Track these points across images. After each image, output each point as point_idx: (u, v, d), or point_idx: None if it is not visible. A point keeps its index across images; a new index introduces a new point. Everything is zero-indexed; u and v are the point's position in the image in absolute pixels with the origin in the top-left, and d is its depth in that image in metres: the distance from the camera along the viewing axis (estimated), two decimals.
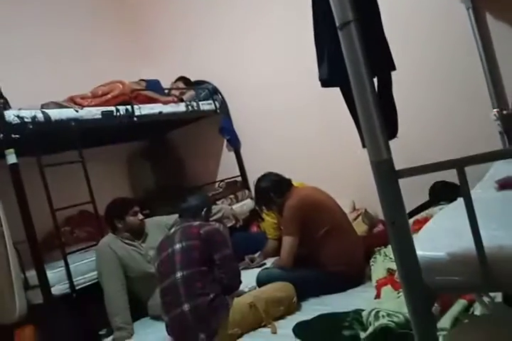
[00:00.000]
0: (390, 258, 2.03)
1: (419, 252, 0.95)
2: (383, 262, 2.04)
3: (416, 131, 2.52)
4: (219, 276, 2.05)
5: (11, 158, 2.38)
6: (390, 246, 2.18)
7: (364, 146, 0.97)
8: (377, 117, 0.91)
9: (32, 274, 2.43)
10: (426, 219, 1.75)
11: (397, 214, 0.94)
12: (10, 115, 2.41)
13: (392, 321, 1.38)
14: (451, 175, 0.93)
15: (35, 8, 3.59)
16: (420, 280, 0.95)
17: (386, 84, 1.02)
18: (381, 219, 2.61)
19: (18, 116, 2.43)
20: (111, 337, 2.34)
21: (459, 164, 0.86)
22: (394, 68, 1.04)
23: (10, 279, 2.37)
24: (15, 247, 2.42)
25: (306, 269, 2.24)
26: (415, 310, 0.97)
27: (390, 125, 1.00)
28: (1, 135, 2.38)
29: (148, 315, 2.56)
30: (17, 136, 2.40)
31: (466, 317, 1.29)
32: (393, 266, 1.87)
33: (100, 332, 2.49)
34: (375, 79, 0.98)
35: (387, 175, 0.93)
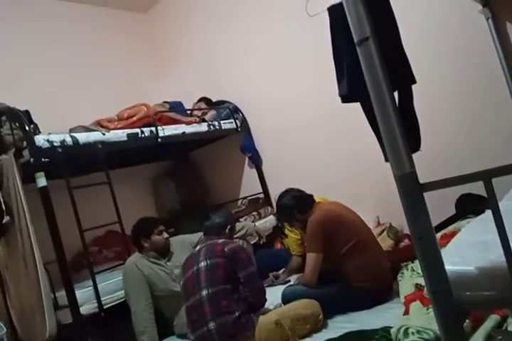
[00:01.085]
0: (418, 273, 1.99)
1: (447, 267, 0.93)
2: (411, 277, 2.00)
3: (440, 143, 2.49)
4: (244, 294, 2.05)
5: (41, 181, 2.46)
6: (417, 261, 2.15)
7: (387, 160, 0.97)
8: (399, 131, 0.92)
9: (61, 294, 2.48)
10: (453, 233, 1.71)
11: (424, 229, 0.93)
12: (40, 140, 2.51)
13: (422, 338, 1.35)
14: (477, 187, 0.93)
15: (61, 35, 3.77)
16: (450, 296, 0.93)
17: (407, 98, 1.03)
18: (407, 233, 2.56)
19: (47, 141, 2.53)
20: None
21: (486, 176, 0.85)
22: (414, 81, 1.05)
23: (40, 299, 2.42)
24: (45, 267, 2.48)
25: (331, 286, 2.21)
26: (446, 327, 0.94)
27: (412, 138, 1.00)
28: (32, 159, 2.48)
29: (174, 333, 2.55)
30: (47, 159, 2.49)
31: (499, 333, 1.25)
32: (421, 281, 1.83)
33: None
34: (396, 93, 0.99)
35: (411, 189, 0.92)
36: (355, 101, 1.06)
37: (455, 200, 2.43)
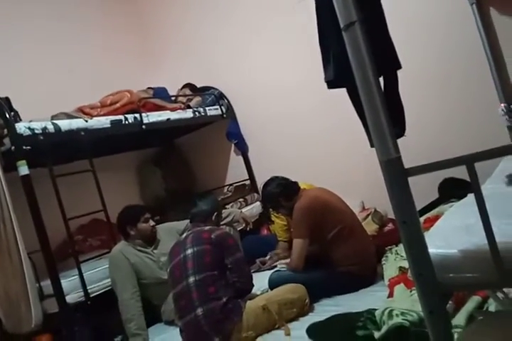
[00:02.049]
0: (402, 256, 2.03)
1: (431, 250, 0.95)
2: (395, 261, 2.04)
3: (423, 128, 2.51)
4: (231, 280, 2.07)
5: (23, 169, 2.41)
6: (401, 245, 2.19)
7: (372, 146, 0.97)
8: (385, 116, 0.92)
9: (47, 283, 2.46)
10: (437, 217, 1.74)
11: (408, 213, 0.94)
12: (21, 127, 2.45)
13: (406, 320, 1.38)
14: (460, 172, 0.94)
15: (44, 21, 3.65)
16: (434, 278, 0.95)
17: (392, 83, 1.03)
18: (391, 217, 2.60)
19: (29, 128, 2.47)
20: None
21: (469, 160, 0.86)
22: (399, 67, 1.05)
23: (25, 289, 2.39)
24: (29, 257, 2.45)
25: (317, 270, 2.24)
26: (430, 308, 0.97)
27: (397, 123, 1.01)
28: (13, 147, 2.43)
29: (162, 320, 2.57)
30: (28, 147, 2.44)
31: (480, 314, 1.28)
32: (405, 264, 1.87)
33: (116, 339, 2.50)
34: (381, 79, 0.99)
35: (396, 174, 0.93)
36: (341, 86, 1.05)
37: (438, 184, 2.47)
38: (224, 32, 3.70)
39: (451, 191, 2.28)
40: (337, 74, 1.00)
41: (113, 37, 4.12)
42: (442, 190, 2.43)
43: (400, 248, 2.15)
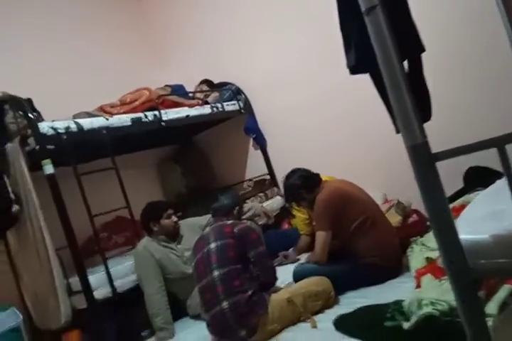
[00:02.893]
0: (428, 247, 2.00)
1: (461, 236, 0.93)
2: (421, 251, 2.00)
3: (449, 112, 2.42)
4: (255, 274, 2.08)
5: (48, 168, 2.47)
6: (426, 236, 2.17)
7: (398, 132, 0.96)
8: (410, 100, 0.90)
9: (74, 280, 2.51)
10: (462, 206, 1.71)
11: (438, 199, 0.92)
12: (44, 127, 2.50)
13: (436, 309, 1.35)
14: (485, 160, 0.92)
15: (62, 22, 3.73)
16: (465, 265, 0.93)
17: (417, 67, 1.01)
18: (415, 209, 2.56)
19: (52, 128, 2.52)
20: (153, 338, 2.39)
21: (500, 142, 0.84)
22: (423, 50, 1.03)
23: (54, 286, 2.45)
24: (56, 254, 2.50)
25: (341, 262, 2.23)
26: (462, 296, 0.95)
27: (423, 108, 0.99)
28: (37, 146, 2.48)
29: (188, 314, 2.59)
30: (52, 146, 2.49)
31: None
32: (432, 254, 1.84)
33: (142, 333, 2.55)
34: (405, 62, 0.97)
35: (424, 159, 0.91)
36: (364, 72, 1.04)
37: (463, 174, 2.42)
38: (237, 27, 3.69)
39: (476, 180, 2.24)
40: (359, 59, 0.99)
41: (126, 35, 4.18)
42: (467, 180, 2.38)
43: (426, 239, 2.12)
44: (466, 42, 2.56)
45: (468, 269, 0.93)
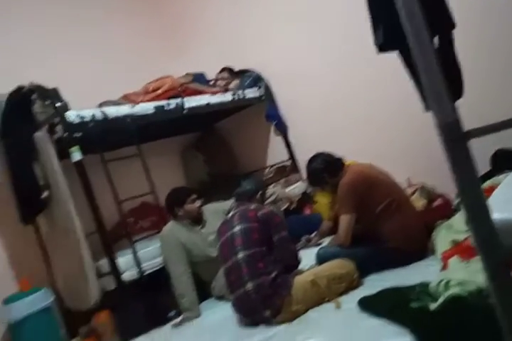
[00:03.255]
0: (454, 229, 1.98)
1: (494, 216, 0.93)
2: (447, 234, 1.99)
3: (481, 89, 2.36)
4: (278, 257, 2.11)
5: (76, 155, 2.54)
6: (452, 219, 2.15)
7: (427, 110, 0.95)
8: (441, 77, 0.89)
9: (103, 262, 2.59)
10: (491, 188, 1.68)
11: (469, 179, 0.92)
12: (71, 115, 2.57)
13: (464, 290, 1.36)
14: None
15: (83, 12, 3.77)
16: (497, 245, 0.93)
17: (448, 43, 1.00)
18: (440, 193, 2.55)
19: (78, 116, 2.59)
20: (180, 318, 2.45)
21: None
22: (454, 26, 1.01)
23: (83, 269, 2.54)
24: (86, 238, 2.58)
25: (365, 246, 2.23)
26: (492, 275, 0.95)
27: (454, 85, 0.98)
28: (65, 134, 2.55)
29: (212, 296, 2.65)
30: (79, 134, 2.55)
31: None
32: (458, 237, 1.84)
33: (169, 314, 2.60)
34: (436, 39, 0.96)
35: (455, 138, 0.90)
36: (392, 49, 1.03)
37: (490, 157, 2.39)
38: (255, 12, 3.67)
39: (504, 162, 2.20)
40: (388, 36, 0.98)
41: (147, 24, 4.22)
42: (495, 162, 2.34)
43: (451, 222, 2.10)
44: (497, 17, 2.48)
45: (500, 248, 0.93)
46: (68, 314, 2.87)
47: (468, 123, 0.97)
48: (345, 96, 3.26)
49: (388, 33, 0.99)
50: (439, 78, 0.90)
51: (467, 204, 0.92)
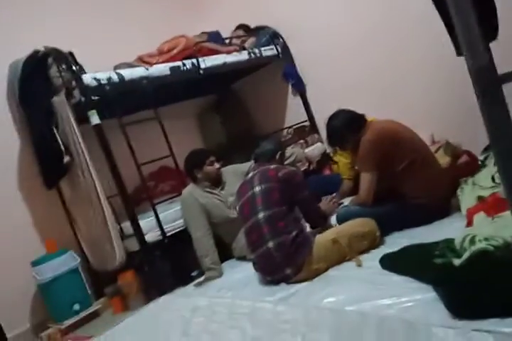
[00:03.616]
0: (480, 186, 1.93)
1: None
2: (472, 191, 1.94)
3: None
4: (301, 215, 2.11)
5: (95, 118, 2.54)
6: (478, 175, 2.09)
7: (459, 54, 0.89)
8: (474, 18, 0.83)
9: (126, 225, 2.65)
10: None
11: (503, 125, 0.87)
12: (88, 78, 2.55)
13: (490, 244, 1.32)
14: None
15: None
16: None
17: None
18: (465, 149, 2.47)
19: (95, 79, 2.57)
20: (203, 277, 2.50)
21: None
22: None
23: (108, 230, 2.60)
24: (108, 201, 2.63)
25: (387, 204, 2.18)
26: None
27: (488, 25, 0.91)
28: (82, 98, 2.53)
29: (233, 256, 2.69)
30: (97, 97, 2.53)
31: None
32: (484, 193, 1.79)
33: (192, 274, 2.68)
34: None
35: (489, 82, 0.85)
36: None
37: None
38: None
39: None
40: None
41: None
42: None
43: (478, 178, 2.04)
44: None
45: None
46: (95, 275, 2.99)
47: (502, 67, 0.90)
48: (367, 52, 3.13)
49: None
50: (473, 17, 0.83)
51: (499, 151, 0.88)
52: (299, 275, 1.97)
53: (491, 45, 0.88)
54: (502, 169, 0.90)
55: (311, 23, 3.38)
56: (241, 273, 2.37)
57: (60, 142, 2.73)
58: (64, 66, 2.61)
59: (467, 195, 1.94)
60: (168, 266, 2.70)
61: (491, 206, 1.63)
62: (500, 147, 0.88)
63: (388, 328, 1.33)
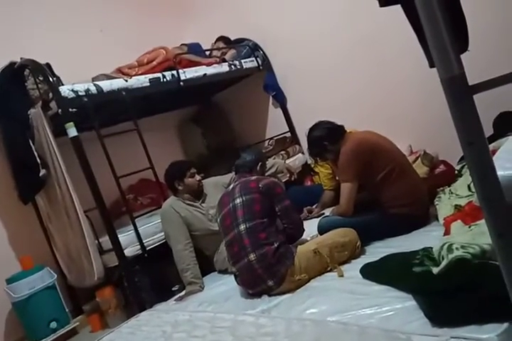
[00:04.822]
0: (457, 195, 1.97)
1: (499, 172, 0.90)
2: (449, 200, 1.97)
3: (488, 41, 2.30)
4: (282, 227, 2.10)
5: (72, 131, 2.50)
6: (454, 184, 2.13)
7: (432, 66, 0.91)
8: (446, 29, 0.85)
9: (104, 239, 2.59)
10: (494, 151, 1.66)
11: (475, 134, 0.88)
12: (65, 90, 2.52)
13: (467, 252, 1.34)
14: None
15: None
16: (502, 201, 0.91)
17: None
18: (442, 159, 2.52)
19: (72, 90, 2.54)
20: (184, 292, 2.45)
21: None
22: None
23: (85, 245, 2.55)
24: (86, 215, 2.58)
25: (367, 214, 2.21)
26: (498, 231, 0.93)
27: (460, 37, 0.93)
28: (60, 110, 2.50)
29: (215, 269, 2.66)
30: (74, 109, 2.50)
31: None
32: (461, 202, 1.82)
33: (173, 288, 2.61)
34: None
35: (460, 92, 0.87)
36: (395, 3, 0.98)
37: (493, 120, 2.34)
38: None
39: (507, 125, 2.16)
40: None
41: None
42: (498, 125, 2.30)
43: (454, 187, 2.08)
44: None
45: (505, 205, 0.91)
46: (72, 291, 2.91)
47: (472, 77, 0.93)
48: (344, 65, 3.19)
49: None
50: (444, 29, 0.85)
51: (472, 159, 0.90)
52: (282, 287, 1.95)
53: (462, 56, 0.90)
54: (474, 176, 0.91)
55: (291, 36, 3.43)
56: (223, 286, 2.34)
57: (36, 155, 2.68)
58: (41, 78, 2.57)
59: (444, 204, 1.97)
60: (148, 280, 2.64)
61: (468, 214, 1.66)
62: (473, 154, 0.89)
63: (369, 338, 1.33)
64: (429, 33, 0.88)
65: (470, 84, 0.87)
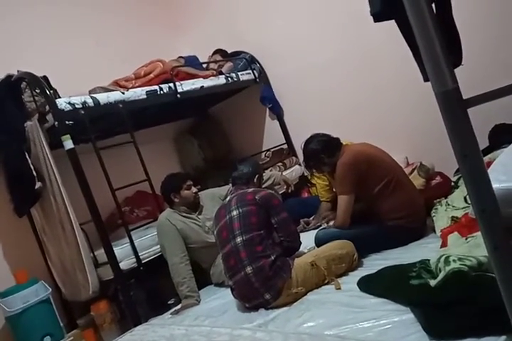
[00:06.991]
0: (453, 206, 1.97)
1: (494, 185, 0.91)
2: (446, 211, 1.97)
3: (483, 55, 2.33)
4: (279, 239, 2.09)
5: (68, 143, 2.49)
6: (451, 196, 2.13)
7: (426, 80, 0.92)
8: (440, 44, 0.86)
9: (100, 252, 2.56)
10: (489, 163, 1.67)
11: (469, 146, 0.89)
12: (62, 103, 2.52)
13: (464, 264, 1.34)
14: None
15: None
16: (497, 213, 0.91)
17: (446, 9, 0.96)
18: (438, 171, 2.53)
19: (69, 103, 2.54)
20: (180, 305, 2.43)
21: None
22: None
23: (80, 258, 2.52)
24: (81, 228, 2.56)
25: (364, 226, 2.21)
26: (494, 244, 0.93)
27: (453, 52, 0.95)
28: (56, 123, 2.50)
29: (211, 282, 2.64)
30: (71, 122, 2.50)
31: None
32: (457, 213, 1.82)
33: (169, 302, 2.59)
34: (433, 5, 0.92)
35: (455, 106, 0.88)
36: (389, 18, 0.99)
37: (488, 132, 2.36)
38: None
39: (502, 137, 2.17)
40: (384, 4, 0.94)
41: (137, 7, 4.07)
42: (493, 138, 2.32)
43: (451, 199, 2.09)
44: None
45: (500, 217, 0.91)
46: (67, 305, 2.87)
47: (467, 90, 0.94)
48: (341, 77, 3.21)
49: (384, 1, 0.94)
50: (438, 44, 0.87)
51: (467, 172, 0.90)
52: (279, 300, 1.94)
53: (456, 70, 0.91)
54: (470, 189, 0.92)
55: (288, 48, 3.47)
56: (219, 299, 2.32)
57: (32, 167, 2.67)
58: (38, 90, 2.58)
59: (441, 216, 1.97)
60: (144, 294, 2.62)
61: (464, 226, 1.66)
62: (468, 167, 0.90)
63: None
64: (423, 47, 0.89)
65: (464, 97, 0.88)
